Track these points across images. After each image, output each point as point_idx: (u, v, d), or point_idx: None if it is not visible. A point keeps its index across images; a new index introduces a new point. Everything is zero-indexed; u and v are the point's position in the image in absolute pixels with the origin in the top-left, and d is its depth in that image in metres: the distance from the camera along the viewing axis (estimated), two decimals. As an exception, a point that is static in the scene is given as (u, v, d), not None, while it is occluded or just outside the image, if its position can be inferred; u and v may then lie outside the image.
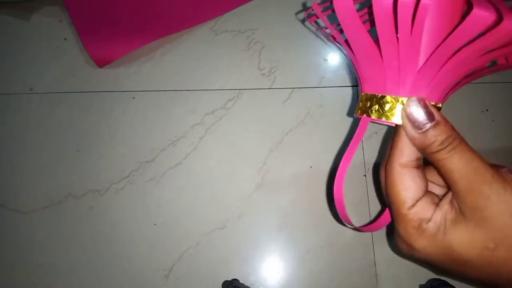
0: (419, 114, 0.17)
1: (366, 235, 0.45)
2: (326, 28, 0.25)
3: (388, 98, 0.18)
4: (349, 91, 0.49)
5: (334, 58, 0.50)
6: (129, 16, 0.50)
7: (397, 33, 0.16)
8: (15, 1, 0.51)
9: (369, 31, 0.18)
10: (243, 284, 0.43)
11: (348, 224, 0.21)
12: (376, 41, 0.17)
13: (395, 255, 0.44)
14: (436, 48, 0.16)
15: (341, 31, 0.19)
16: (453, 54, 0.16)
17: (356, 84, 0.49)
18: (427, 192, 0.18)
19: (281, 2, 0.51)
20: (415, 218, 0.17)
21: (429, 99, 0.17)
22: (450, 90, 0.19)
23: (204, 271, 0.44)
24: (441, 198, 0.18)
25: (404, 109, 0.17)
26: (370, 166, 0.47)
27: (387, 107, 0.18)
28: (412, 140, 0.17)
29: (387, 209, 0.21)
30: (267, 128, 0.48)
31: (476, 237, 0.15)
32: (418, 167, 0.18)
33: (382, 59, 0.17)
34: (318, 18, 0.22)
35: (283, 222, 0.45)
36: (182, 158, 0.47)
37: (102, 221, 0.45)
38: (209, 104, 0.49)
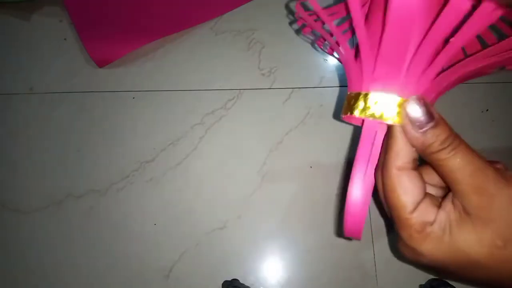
0: (419, 113, 0.16)
1: (366, 235, 0.45)
2: (314, 32, 0.24)
3: (372, 94, 0.18)
4: (349, 91, 0.49)
5: (334, 58, 0.50)
6: (129, 16, 0.50)
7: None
8: (15, 1, 0.51)
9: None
10: (243, 284, 0.43)
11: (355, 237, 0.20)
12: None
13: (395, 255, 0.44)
14: (422, 40, 0.16)
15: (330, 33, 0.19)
16: (441, 47, 0.16)
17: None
18: (426, 194, 0.17)
19: (281, 2, 0.51)
20: (418, 222, 0.16)
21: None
22: (442, 89, 0.18)
23: (204, 271, 0.44)
24: (442, 199, 0.17)
25: (403, 109, 0.17)
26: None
27: (372, 103, 0.17)
28: (412, 141, 0.17)
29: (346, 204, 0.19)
30: (267, 128, 0.48)
31: (484, 236, 0.15)
32: (415, 169, 0.17)
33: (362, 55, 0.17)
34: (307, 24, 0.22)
35: (283, 222, 0.45)
36: (182, 158, 0.47)
37: (102, 221, 0.45)
38: (209, 104, 0.49)
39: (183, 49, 0.50)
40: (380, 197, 0.19)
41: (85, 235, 0.45)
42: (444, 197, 0.17)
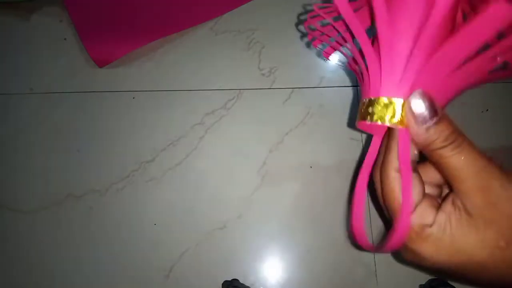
0: (422, 107, 0.16)
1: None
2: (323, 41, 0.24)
3: (382, 99, 0.17)
4: (349, 91, 0.49)
5: (334, 58, 0.50)
6: (129, 16, 0.50)
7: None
8: (15, 1, 0.51)
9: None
10: (243, 284, 0.43)
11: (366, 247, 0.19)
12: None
13: (395, 255, 0.44)
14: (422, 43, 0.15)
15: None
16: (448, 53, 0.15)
17: (356, 84, 0.49)
18: (425, 195, 0.17)
19: (281, 2, 0.51)
20: (417, 224, 0.16)
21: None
22: (450, 95, 0.18)
23: (204, 271, 0.44)
24: (442, 200, 0.17)
25: (407, 103, 0.16)
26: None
27: (380, 108, 0.17)
28: (415, 136, 0.16)
29: (395, 224, 0.18)
30: (267, 128, 0.48)
31: (486, 237, 0.15)
32: (414, 170, 0.17)
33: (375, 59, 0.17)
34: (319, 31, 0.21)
35: (283, 222, 0.45)
36: (182, 158, 0.47)
37: (102, 221, 0.45)
38: (209, 104, 0.49)
39: (183, 49, 0.50)
40: (379, 199, 0.19)
41: (85, 235, 0.45)
42: (443, 197, 0.17)
